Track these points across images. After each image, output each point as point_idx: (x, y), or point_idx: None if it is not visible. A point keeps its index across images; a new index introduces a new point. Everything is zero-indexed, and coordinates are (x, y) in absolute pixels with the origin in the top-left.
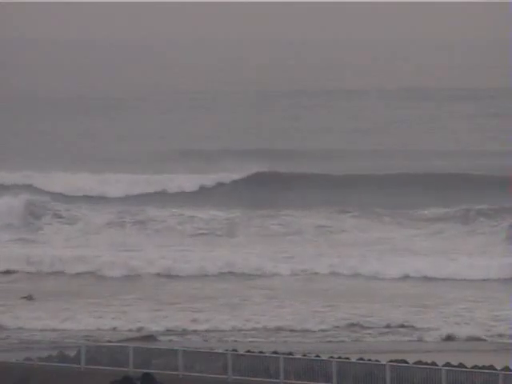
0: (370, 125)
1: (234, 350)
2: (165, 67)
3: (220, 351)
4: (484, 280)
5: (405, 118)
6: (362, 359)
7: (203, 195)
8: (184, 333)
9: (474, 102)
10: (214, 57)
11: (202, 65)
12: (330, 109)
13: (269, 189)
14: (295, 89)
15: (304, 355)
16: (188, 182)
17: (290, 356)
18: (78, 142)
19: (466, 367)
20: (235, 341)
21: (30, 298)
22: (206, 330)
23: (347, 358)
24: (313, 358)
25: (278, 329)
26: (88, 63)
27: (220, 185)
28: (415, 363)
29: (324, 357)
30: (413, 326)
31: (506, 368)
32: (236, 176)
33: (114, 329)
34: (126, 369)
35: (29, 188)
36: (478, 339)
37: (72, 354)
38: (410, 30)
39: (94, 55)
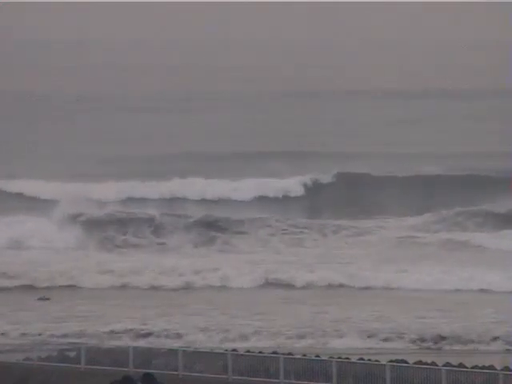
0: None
1: (233, 350)
2: (171, 68)
3: (220, 351)
4: None
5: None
6: (362, 359)
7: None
8: None
9: (474, 102)
10: (216, 58)
11: (203, 66)
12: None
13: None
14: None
15: (304, 355)
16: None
17: (290, 356)
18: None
19: (466, 367)
20: None
21: (44, 298)
22: None
23: (347, 358)
24: (313, 358)
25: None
26: (84, 64)
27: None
28: (415, 363)
29: (324, 357)
30: None
31: (506, 368)
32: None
33: None
34: (125, 369)
35: None
36: None
37: (72, 354)
38: (410, 30)
39: (91, 55)
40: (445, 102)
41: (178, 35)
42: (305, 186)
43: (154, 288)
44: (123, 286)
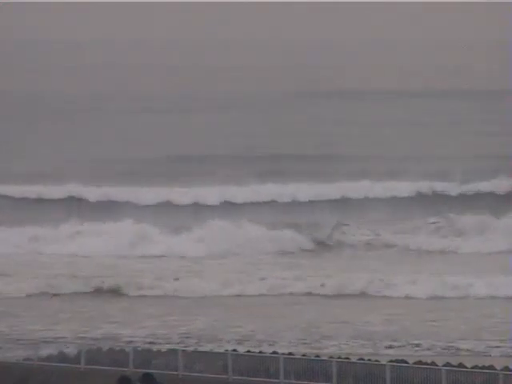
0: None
1: (233, 350)
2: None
3: (220, 351)
4: None
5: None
6: (362, 359)
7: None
8: None
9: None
10: (216, 58)
11: (203, 66)
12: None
13: None
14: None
15: (304, 355)
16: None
17: (290, 356)
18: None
19: (466, 367)
20: None
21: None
22: None
23: (347, 358)
24: (313, 358)
25: None
26: (81, 64)
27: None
28: (415, 363)
29: (324, 357)
30: None
31: (506, 368)
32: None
33: None
34: (126, 369)
35: None
36: None
37: (72, 354)
38: (409, 30)
39: (86, 56)
40: (445, 102)
41: (179, 35)
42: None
43: None
44: None
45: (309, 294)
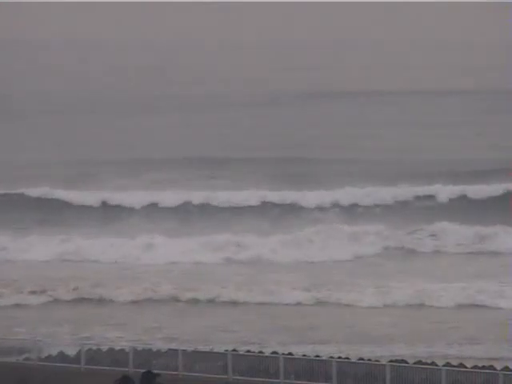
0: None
1: (233, 350)
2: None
3: (220, 351)
4: None
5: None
6: (362, 359)
7: None
8: None
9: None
10: (216, 58)
11: (203, 66)
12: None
13: None
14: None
15: (304, 355)
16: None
17: (290, 356)
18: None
19: (466, 367)
20: None
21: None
22: None
23: (347, 358)
24: (313, 358)
25: None
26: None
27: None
28: (415, 363)
29: (324, 357)
30: None
31: (506, 368)
32: None
33: None
34: (126, 369)
35: None
36: None
37: (72, 354)
38: (408, 30)
39: (84, 56)
40: (445, 102)
41: (180, 35)
42: None
43: None
44: None
45: None
